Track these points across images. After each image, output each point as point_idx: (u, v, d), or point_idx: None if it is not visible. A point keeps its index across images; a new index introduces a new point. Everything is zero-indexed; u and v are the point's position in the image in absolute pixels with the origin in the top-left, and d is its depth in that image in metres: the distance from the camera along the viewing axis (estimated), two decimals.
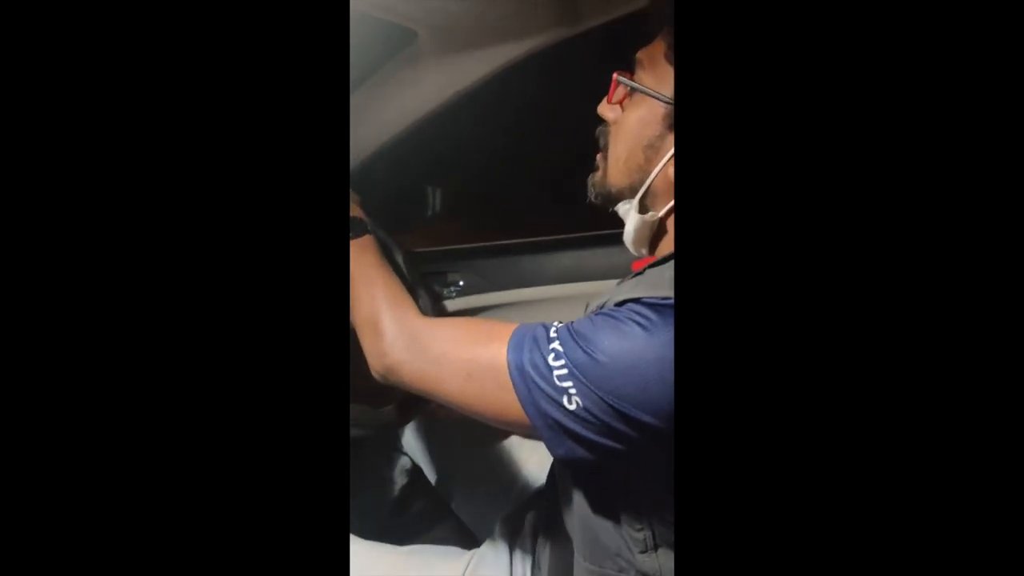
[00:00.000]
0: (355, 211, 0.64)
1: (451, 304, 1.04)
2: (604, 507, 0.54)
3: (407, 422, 0.94)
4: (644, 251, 0.59)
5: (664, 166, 0.53)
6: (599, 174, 0.58)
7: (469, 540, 0.74)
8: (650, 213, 0.56)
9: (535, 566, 0.66)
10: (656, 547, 0.51)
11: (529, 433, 0.48)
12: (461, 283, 1.04)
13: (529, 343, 0.47)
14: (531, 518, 0.71)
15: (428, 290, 0.89)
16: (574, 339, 0.45)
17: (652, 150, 0.53)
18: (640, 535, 0.51)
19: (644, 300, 0.45)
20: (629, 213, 0.56)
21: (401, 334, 0.54)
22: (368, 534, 0.72)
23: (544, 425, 0.46)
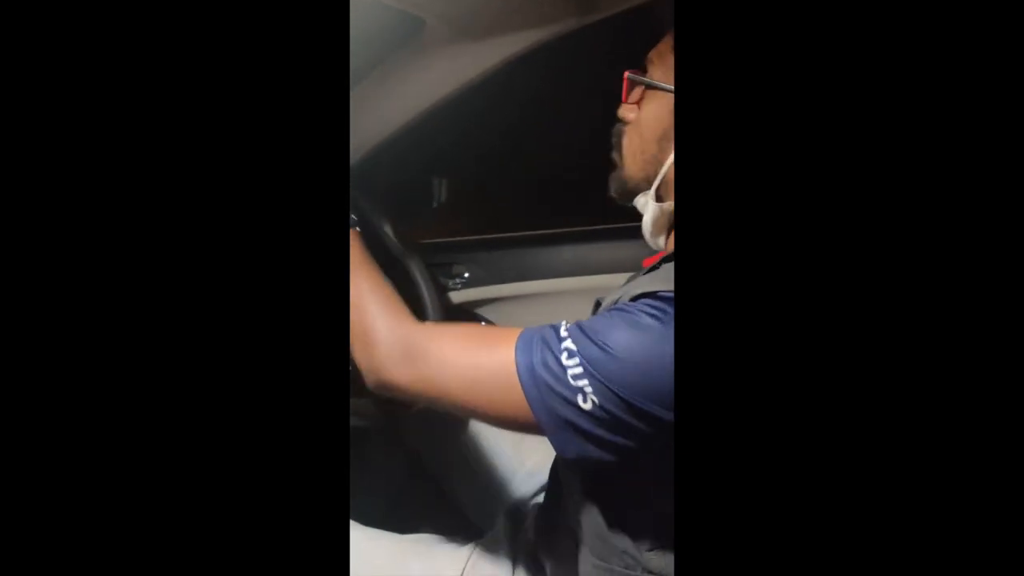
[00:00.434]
0: None
1: (456, 296, 1.04)
2: (611, 503, 0.53)
3: (409, 412, 0.94)
4: (662, 241, 0.59)
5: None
6: (617, 170, 0.59)
7: (471, 531, 0.74)
8: (667, 203, 0.56)
9: (537, 558, 0.66)
10: (663, 545, 0.51)
11: (538, 433, 0.47)
12: (466, 275, 1.04)
13: (539, 344, 0.47)
14: (533, 510, 0.71)
15: (433, 282, 0.89)
16: (587, 336, 0.45)
17: (666, 140, 0.54)
18: (647, 532, 0.51)
19: (660, 294, 0.45)
20: (647, 204, 0.57)
21: (396, 344, 0.51)
22: (370, 522, 0.72)
23: (555, 427, 0.45)
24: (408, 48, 0.71)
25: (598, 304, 0.66)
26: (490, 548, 0.68)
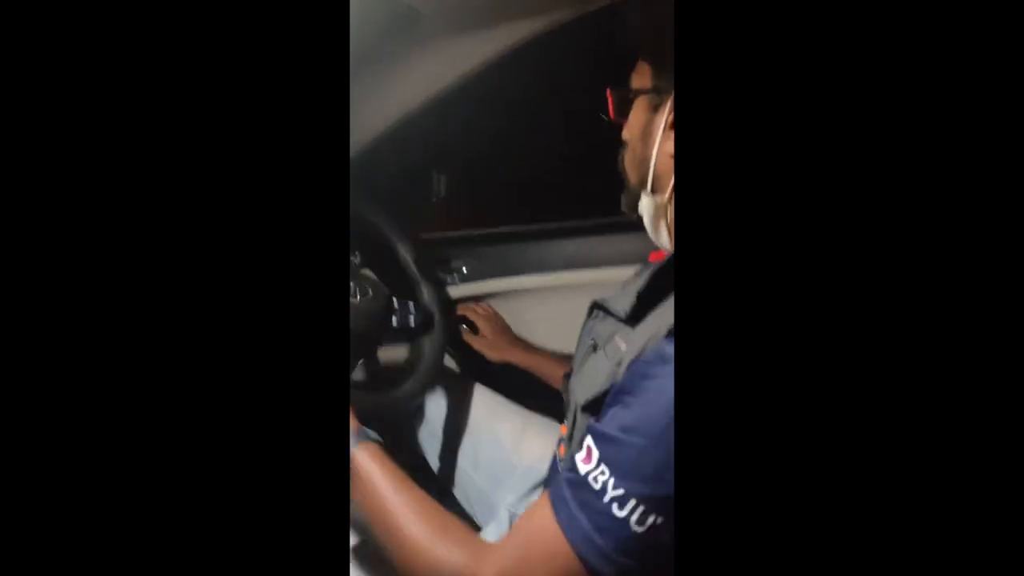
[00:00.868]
0: (353, 424, 0.59)
1: (454, 291, 1.04)
2: None
3: (411, 408, 0.94)
4: (664, 236, 0.59)
5: (660, 144, 0.54)
6: (625, 188, 0.61)
7: (471, 527, 0.74)
8: (659, 195, 0.56)
9: None
10: None
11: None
12: (464, 269, 1.03)
13: (578, 509, 0.44)
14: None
15: (432, 278, 0.88)
16: (622, 468, 0.43)
17: (648, 136, 0.55)
18: None
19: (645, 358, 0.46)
20: (644, 202, 0.58)
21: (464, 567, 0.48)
22: None
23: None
24: (406, 40, 0.70)
25: (594, 307, 0.66)
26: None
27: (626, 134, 0.59)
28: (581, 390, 0.55)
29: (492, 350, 0.96)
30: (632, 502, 0.42)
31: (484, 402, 0.92)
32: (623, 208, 0.62)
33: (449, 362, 1.05)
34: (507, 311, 1.05)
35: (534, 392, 0.91)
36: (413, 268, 0.87)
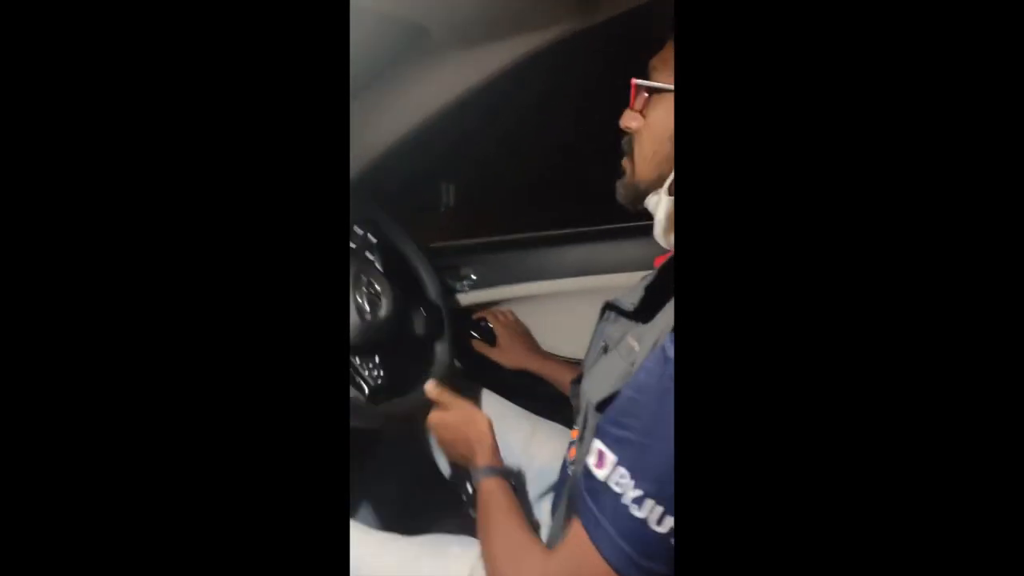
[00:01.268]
0: (487, 458, 0.65)
1: (464, 298, 1.05)
2: None
3: (422, 415, 0.95)
4: (673, 238, 0.58)
5: None
6: (627, 177, 0.61)
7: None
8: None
9: None
10: None
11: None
12: (474, 277, 1.04)
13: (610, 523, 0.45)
14: (544, 511, 0.71)
15: (441, 285, 0.89)
16: (645, 475, 0.44)
17: (672, 136, 0.55)
18: None
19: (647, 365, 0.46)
20: (659, 202, 0.57)
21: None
22: (381, 524, 0.72)
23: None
24: (413, 55, 0.71)
25: (605, 308, 0.66)
26: None
27: (635, 126, 0.59)
28: (593, 391, 0.55)
29: (508, 357, 0.96)
30: (650, 503, 0.43)
31: (492, 408, 0.92)
32: (620, 199, 0.61)
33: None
34: (519, 317, 1.06)
35: (542, 397, 0.91)
36: (423, 275, 0.88)
